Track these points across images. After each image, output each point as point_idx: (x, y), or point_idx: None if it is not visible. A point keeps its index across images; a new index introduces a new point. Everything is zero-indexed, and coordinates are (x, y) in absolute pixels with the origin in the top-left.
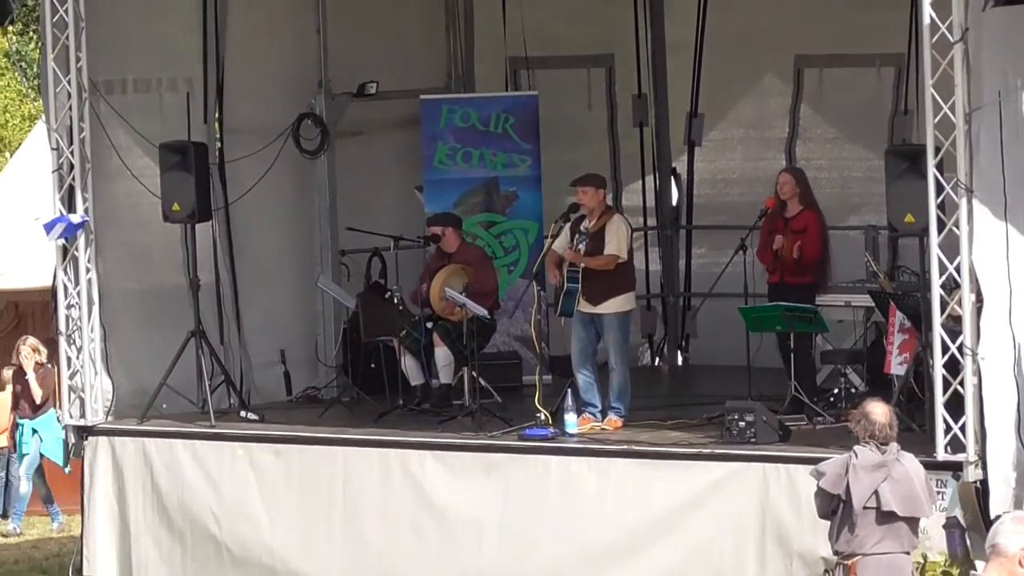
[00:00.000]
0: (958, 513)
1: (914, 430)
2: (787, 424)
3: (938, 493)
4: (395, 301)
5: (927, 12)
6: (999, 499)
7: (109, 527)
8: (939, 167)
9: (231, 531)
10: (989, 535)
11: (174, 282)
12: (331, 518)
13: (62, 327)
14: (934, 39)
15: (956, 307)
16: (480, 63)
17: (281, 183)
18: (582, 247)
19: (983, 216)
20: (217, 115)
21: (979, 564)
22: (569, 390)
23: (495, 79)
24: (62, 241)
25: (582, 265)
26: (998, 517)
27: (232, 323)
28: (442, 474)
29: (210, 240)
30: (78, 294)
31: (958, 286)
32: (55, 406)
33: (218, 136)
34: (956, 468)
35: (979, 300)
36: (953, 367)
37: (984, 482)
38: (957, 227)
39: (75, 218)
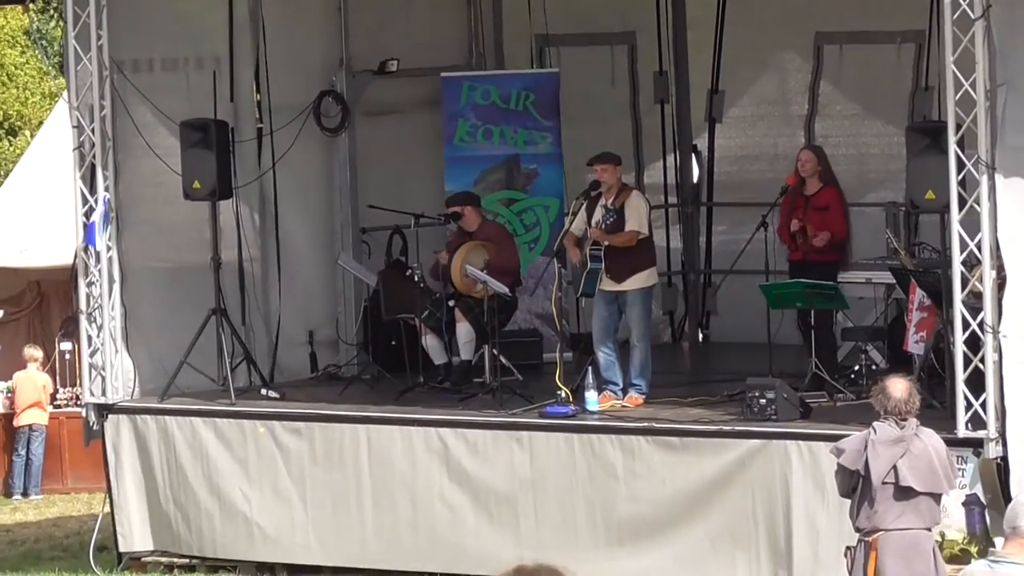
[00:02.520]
0: (978, 490)
1: (935, 407)
2: (808, 401)
3: (959, 470)
4: (416, 279)
5: None
6: (1020, 476)
7: (141, 503)
8: (960, 144)
9: (261, 507)
10: (1008, 516)
11: (200, 261)
12: (361, 495)
13: (83, 305)
14: (955, 15)
15: (977, 284)
16: (506, 40)
17: (304, 161)
18: (609, 222)
19: (1009, 193)
20: (256, 94)
21: (998, 541)
22: (590, 367)
23: (520, 56)
24: (98, 222)
25: (605, 243)
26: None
27: (254, 301)
28: (466, 451)
29: (239, 219)
30: (99, 272)
31: (979, 263)
32: None
33: (257, 115)
34: (977, 445)
35: (1000, 276)
36: (974, 344)
37: (1004, 459)
38: (978, 204)
39: (95, 215)
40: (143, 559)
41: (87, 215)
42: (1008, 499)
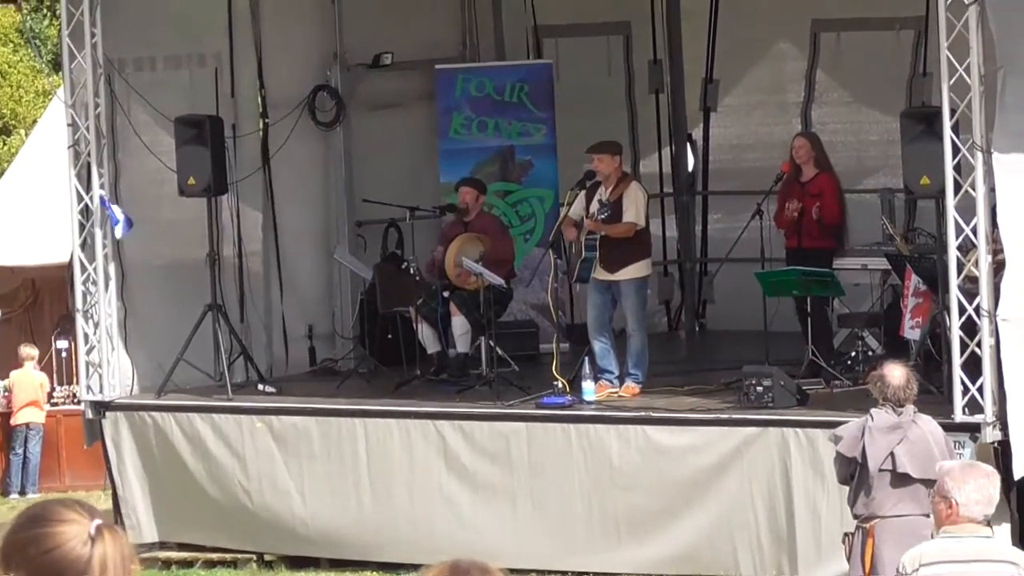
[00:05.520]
0: None
1: (932, 392)
2: (804, 388)
3: (957, 455)
4: (411, 272)
5: None
6: (1021, 459)
7: (146, 497)
8: (955, 129)
9: (262, 503)
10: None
11: (201, 258)
12: (360, 489)
13: (79, 303)
14: (949, 1)
15: (973, 268)
16: (500, 31)
17: (299, 156)
18: (603, 217)
19: (1009, 176)
20: (260, 89)
21: (997, 529)
22: (586, 357)
23: (515, 47)
24: (120, 223)
25: (601, 232)
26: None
27: (252, 296)
28: (463, 443)
29: (236, 215)
30: (95, 270)
31: (974, 247)
32: None
33: (261, 110)
34: (974, 429)
35: (997, 260)
36: (970, 329)
37: (1005, 443)
38: (973, 189)
39: (118, 212)
40: (141, 555)
41: (82, 214)
42: (1009, 483)
